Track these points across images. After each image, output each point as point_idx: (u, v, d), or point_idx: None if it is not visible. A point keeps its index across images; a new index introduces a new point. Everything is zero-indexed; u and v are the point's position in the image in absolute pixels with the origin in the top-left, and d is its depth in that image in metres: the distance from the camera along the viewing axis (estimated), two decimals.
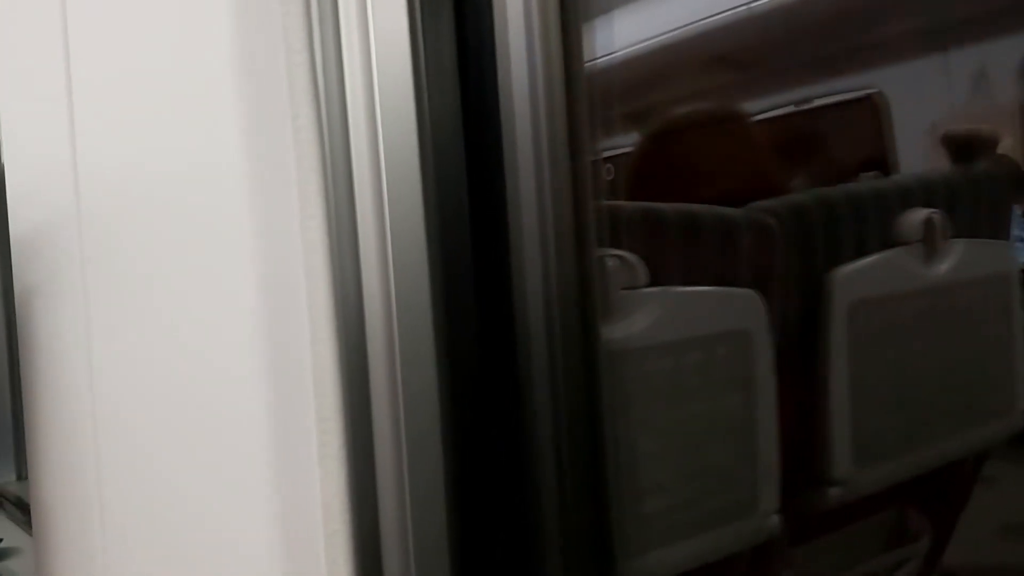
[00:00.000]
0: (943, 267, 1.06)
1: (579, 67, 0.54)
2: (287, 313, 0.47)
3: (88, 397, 0.70)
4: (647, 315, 0.84)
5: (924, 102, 1.56)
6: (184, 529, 0.58)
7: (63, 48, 0.68)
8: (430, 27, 0.51)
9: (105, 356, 0.68)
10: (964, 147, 1.31)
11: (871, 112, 1.63)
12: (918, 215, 1.05)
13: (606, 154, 0.59)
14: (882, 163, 1.60)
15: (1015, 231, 1.20)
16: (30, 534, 1.44)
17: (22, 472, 1.76)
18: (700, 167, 1.12)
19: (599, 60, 0.59)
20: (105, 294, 0.67)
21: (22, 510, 1.58)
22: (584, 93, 0.54)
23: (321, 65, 0.48)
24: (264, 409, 0.48)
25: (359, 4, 0.49)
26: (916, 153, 1.54)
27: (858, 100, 1.65)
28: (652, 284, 0.83)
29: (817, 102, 1.68)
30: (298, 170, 0.46)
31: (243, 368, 0.49)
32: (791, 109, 1.66)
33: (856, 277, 0.99)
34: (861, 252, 1.02)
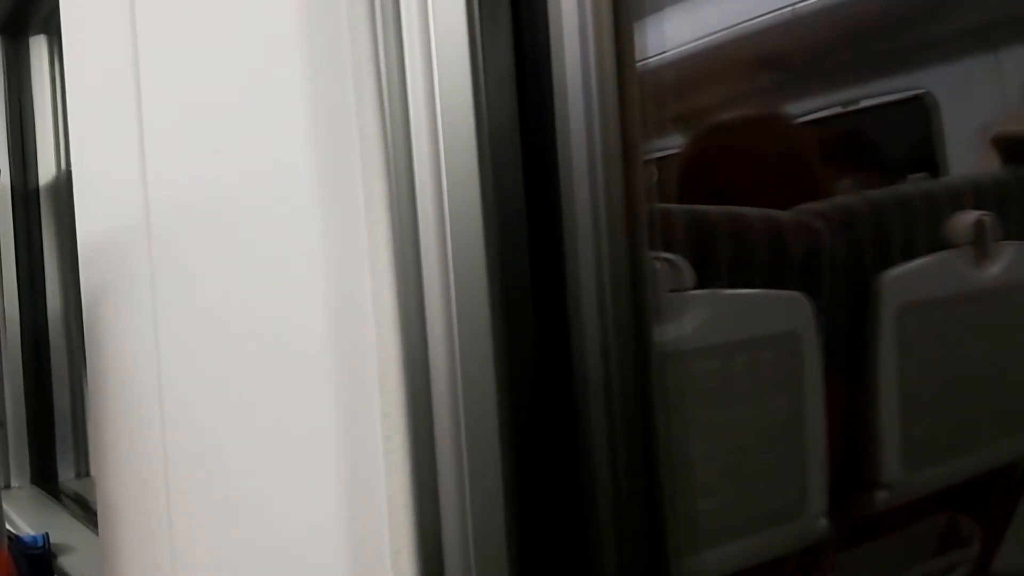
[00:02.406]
0: (994, 270, 1.05)
1: (631, 70, 0.55)
2: (353, 311, 0.49)
3: (156, 396, 0.73)
4: (694, 317, 0.84)
5: (974, 103, 1.53)
6: (252, 523, 0.60)
7: (132, 59, 0.71)
8: (488, 33, 0.52)
9: (173, 355, 0.70)
10: (1015, 148, 1.29)
11: (919, 113, 1.60)
12: (968, 217, 1.04)
13: (648, 157, 0.60)
14: (931, 165, 1.58)
15: None
16: (90, 530, 1.48)
17: (81, 470, 1.80)
18: (747, 170, 1.12)
19: (644, 63, 0.59)
20: (173, 295, 0.69)
21: (81, 506, 1.62)
22: (636, 96, 0.55)
23: (385, 72, 0.50)
24: (331, 405, 0.50)
25: (421, 13, 0.51)
26: (966, 155, 1.52)
27: (906, 101, 1.62)
28: (699, 286, 0.84)
29: (864, 103, 1.66)
30: (364, 173, 0.48)
31: (310, 366, 0.51)
32: (837, 111, 1.64)
33: (905, 280, 0.99)
34: (910, 255, 1.01)
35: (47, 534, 1.39)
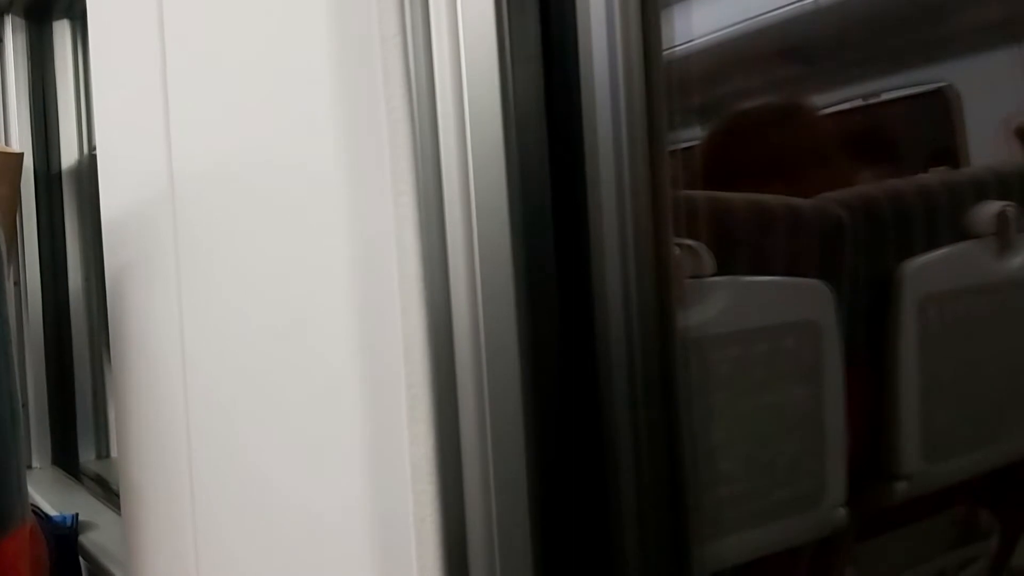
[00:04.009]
0: (1017, 260, 1.05)
1: (658, 57, 0.55)
2: (378, 284, 0.49)
3: (180, 376, 0.73)
4: (714, 304, 0.84)
5: (996, 95, 1.52)
6: (275, 495, 0.61)
7: (158, 33, 0.71)
8: (516, 16, 0.52)
9: (197, 331, 0.71)
10: None
11: (941, 106, 1.59)
12: (991, 208, 1.03)
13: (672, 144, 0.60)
14: (952, 157, 1.57)
15: None
16: (111, 509, 1.50)
17: (102, 451, 1.82)
18: (769, 158, 1.12)
19: (669, 52, 0.59)
20: (198, 270, 0.70)
21: (102, 487, 1.63)
22: (662, 82, 0.55)
23: (412, 50, 0.50)
24: (356, 377, 0.50)
25: None
26: (988, 147, 1.51)
27: (927, 94, 1.61)
28: (720, 273, 0.84)
29: (885, 96, 1.65)
30: (390, 147, 0.48)
31: (336, 338, 0.51)
32: (859, 103, 1.63)
33: (927, 270, 0.98)
34: (932, 245, 1.01)
35: (76, 515, 1.41)
